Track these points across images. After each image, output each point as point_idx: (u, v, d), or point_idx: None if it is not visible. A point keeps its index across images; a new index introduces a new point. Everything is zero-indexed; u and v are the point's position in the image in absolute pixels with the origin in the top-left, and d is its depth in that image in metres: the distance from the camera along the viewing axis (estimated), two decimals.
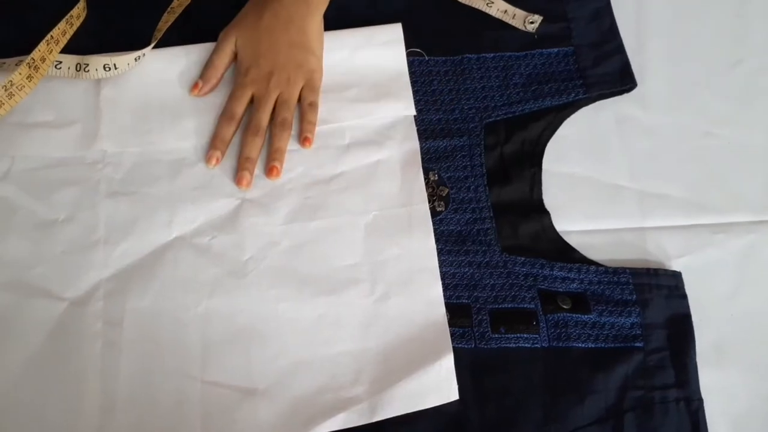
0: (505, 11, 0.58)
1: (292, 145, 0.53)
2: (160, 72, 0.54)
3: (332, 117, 0.54)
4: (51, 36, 0.53)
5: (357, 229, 0.51)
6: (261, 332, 0.48)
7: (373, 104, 0.54)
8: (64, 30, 0.55)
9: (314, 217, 0.51)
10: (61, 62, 0.53)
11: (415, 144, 0.53)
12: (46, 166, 0.52)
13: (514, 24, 0.58)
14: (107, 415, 0.45)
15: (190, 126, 0.53)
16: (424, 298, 0.49)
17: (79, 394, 0.46)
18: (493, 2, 0.58)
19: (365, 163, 0.53)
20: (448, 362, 0.46)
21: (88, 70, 0.53)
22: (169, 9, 0.56)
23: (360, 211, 0.51)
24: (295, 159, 0.53)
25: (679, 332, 0.49)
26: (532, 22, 0.57)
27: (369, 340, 0.47)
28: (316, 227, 0.51)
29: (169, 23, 0.56)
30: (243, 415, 0.45)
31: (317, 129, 0.53)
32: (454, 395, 0.46)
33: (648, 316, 0.49)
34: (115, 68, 0.53)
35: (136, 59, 0.53)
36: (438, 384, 0.46)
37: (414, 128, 0.54)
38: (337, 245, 0.50)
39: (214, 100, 0.54)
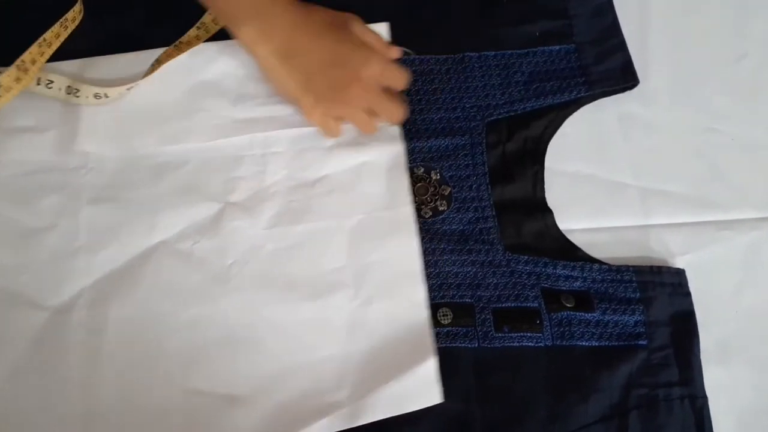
0: None
1: (277, 147, 0.53)
2: (139, 76, 0.54)
3: None
4: (44, 39, 0.53)
5: (341, 233, 0.50)
6: (244, 338, 0.47)
7: None
8: (57, 33, 0.54)
9: (298, 221, 0.51)
10: (52, 81, 0.52)
11: (399, 146, 0.53)
12: (28, 173, 0.51)
13: None
14: (90, 423, 0.45)
15: (171, 130, 0.53)
16: (408, 301, 0.48)
17: (62, 402, 0.46)
18: None
19: (349, 166, 0.52)
20: (431, 365, 0.46)
21: (79, 96, 0.52)
22: (176, 43, 0.55)
23: (344, 214, 0.51)
24: (278, 162, 0.52)
25: (683, 330, 0.49)
26: None
27: (353, 344, 0.47)
28: (300, 231, 0.50)
29: (172, 57, 0.54)
30: (226, 422, 0.45)
31: (300, 131, 0.53)
32: (437, 398, 0.45)
33: (652, 313, 0.49)
34: (106, 97, 0.52)
35: (128, 89, 0.53)
36: (421, 387, 0.46)
37: (398, 130, 0.54)
38: (321, 249, 0.50)
39: (196, 104, 0.54)
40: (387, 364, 0.46)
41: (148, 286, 0.49)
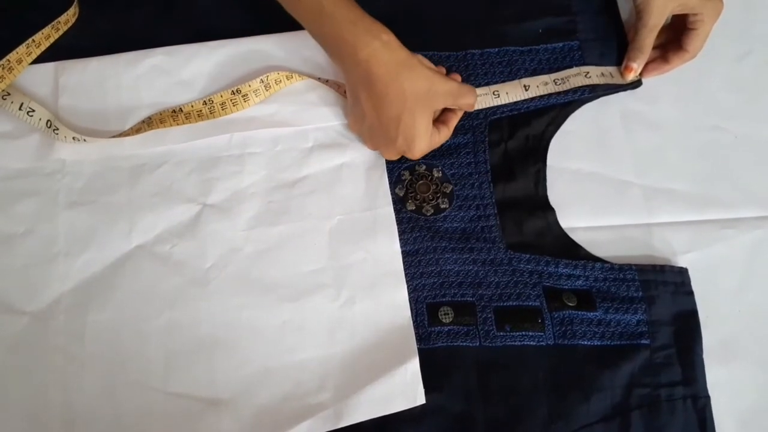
0: (602, 74, 0.55)
1: (255, 148, 0.53)
2: (118, 77, 0.54)
3: (295, 119, 0.53)
4: (33, 40, 0.53)
5: (321, 234, 0.50)
6: (224, 341, 0.47)
7: (336, 108, 0.54)
8: (48, 34, 0.55)
9: (277, 222, 0.51)
10: (34, 111, 0.52)
11: None
12: (5, 178, 0.51)
13: (614, 82, 0.55)
14: (70, 428, 0.45)
15: (148, 132, 0.52)
16: (390, 302, 0.48)
17: (41, 408, 0.46)
18: (589, 72, 0.55)
19: (329, 167, 0.52)
20: (413, 366, 0.46)
21: (57, 133, 0.52)
22: (175, 109, 0.53)
23: (324, 215, 0.51)
24: (257, 162, 0.52)
25: (685, 329, 0.49)
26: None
27: (334, 345, 0.47)
28: (279, 232, 0.50)
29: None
30: (206, 426, 0.45)
31: (279, 131, 0.53)
32: (420, 399, 0.45)
33: (654, 312, 0.49)
34: (84, 141, 0.52)
35: (108, 139, 0.52)
36: (404, 388, 0.45)
37: None
38: (301, 250, 0.50)
39: (173, 105, 0.53)
40: (370, 365, 0.46)
41: (126, 291, 0.49)
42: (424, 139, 0.49)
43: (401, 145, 0.50)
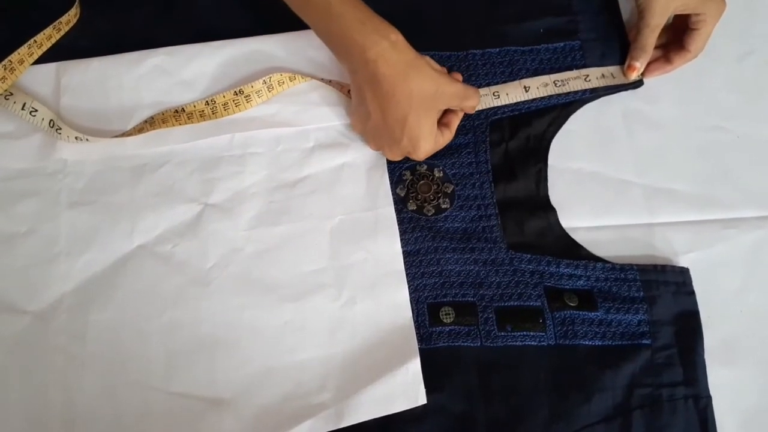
0: (603, 75, 0.55)
1: (256, 148, 0.53)
2: (119, 77, 0.54)
3: (296, 119, 0.53)
4: (34, 40, 0.53)
5: (322, 234, 0.50)
6: (225, 341, 0.47)
7: (338, 108, 0.54)
8: (50, 35, 0.55)
9: (279, 222, 0.51)
10: (37, 111, 0.52)
11: None
12: (7, 178, 0.51)
13: (616, 82, 0.55)
14: (69, 428, 0.45)
15: (150, 132, 0.52)
16: (391, 302, 0.48)
17: (41, 408, 0.46)
18: (589, 74, 0.55)
19: (330, 167, 0.52)
20: (414, 366, 0.46)
21: (60, 133, 0.52)
22: (177, 109, 0.53)
23: (325, 215, 0.51)
24: (258, 162, 0.52)
25: (687, 329, 0.49)
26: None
27: (335, 345, 0.47)
28: (280, 232, 0.50)
29: (167, 124, 0.53)
30: (208, 425, 0.45)
31: (280, 131, 0.53)
32: (421, 399, 0.45)
33: (655, 312, 0.49)
34: (87, 141, 0.52)
35: (111, 138, 0.52)
36: (405, 388, 0.46)
37: None
38: (302, 250, 0.50)
39: (174, 105, 0.53)
40: (371, 365, 0.46)
41: (128, 290, 0.49)
42: (429, 140, 0.49)
43: (406, 146, 0.50)
